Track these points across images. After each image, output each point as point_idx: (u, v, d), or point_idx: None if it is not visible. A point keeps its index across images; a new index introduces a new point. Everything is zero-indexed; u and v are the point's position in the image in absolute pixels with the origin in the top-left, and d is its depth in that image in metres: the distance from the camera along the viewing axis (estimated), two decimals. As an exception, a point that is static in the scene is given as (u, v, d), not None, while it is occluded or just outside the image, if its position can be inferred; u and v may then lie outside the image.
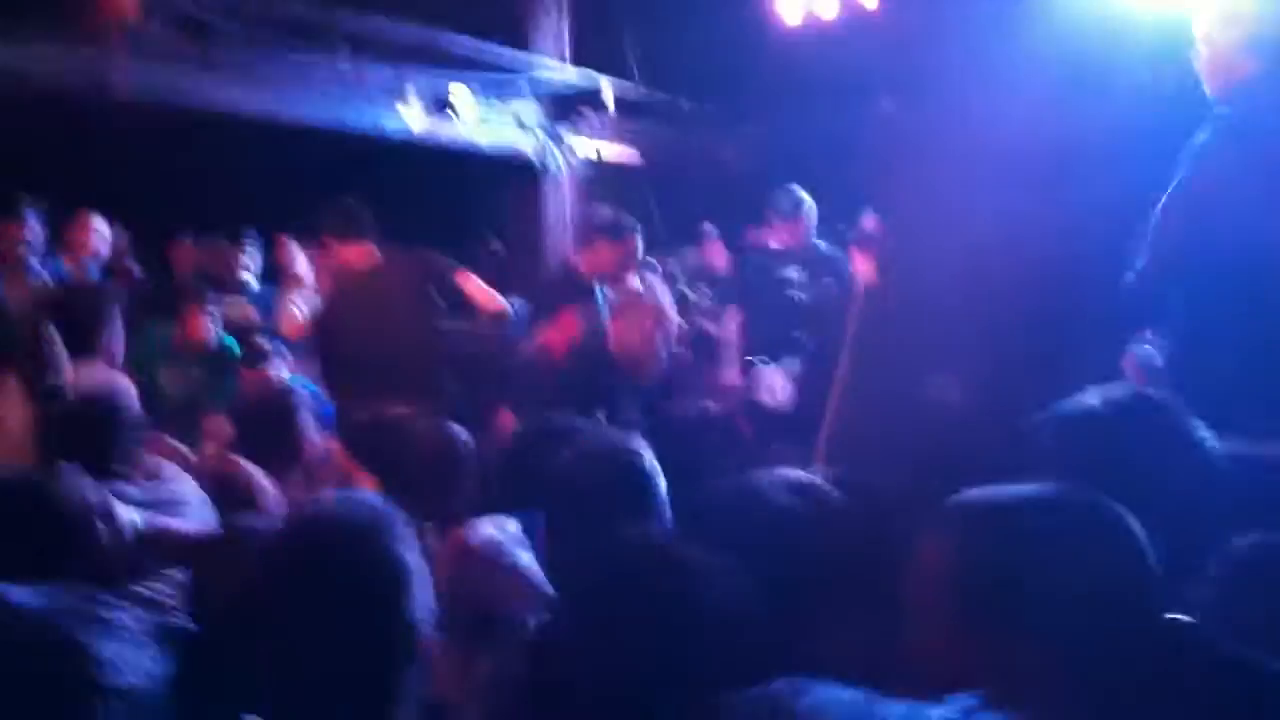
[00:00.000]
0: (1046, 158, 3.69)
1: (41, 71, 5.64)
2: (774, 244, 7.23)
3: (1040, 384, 3.49)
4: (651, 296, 5.06)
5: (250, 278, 7.16)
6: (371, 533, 1.75)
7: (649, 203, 9.05)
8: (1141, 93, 3.73)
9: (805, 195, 7.19)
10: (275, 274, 7.22)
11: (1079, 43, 3.73)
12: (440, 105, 7.49)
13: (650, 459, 2.53)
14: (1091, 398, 2.11)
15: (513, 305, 7.96)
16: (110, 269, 6.72)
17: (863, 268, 5.89)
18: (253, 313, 6.95)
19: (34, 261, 6.07)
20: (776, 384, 7.04)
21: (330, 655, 1.68)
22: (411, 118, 7.35)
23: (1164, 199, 3.13)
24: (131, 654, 1.62)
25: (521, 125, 8.21)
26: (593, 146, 8.61)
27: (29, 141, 6.23)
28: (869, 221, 6.33)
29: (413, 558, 1.77)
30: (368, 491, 2.58)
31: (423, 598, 1.77)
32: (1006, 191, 3.69)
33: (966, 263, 3.68)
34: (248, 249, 7.15)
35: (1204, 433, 2.03)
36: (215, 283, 7.08)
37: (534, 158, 8.33)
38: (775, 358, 7.06)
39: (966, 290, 3.65)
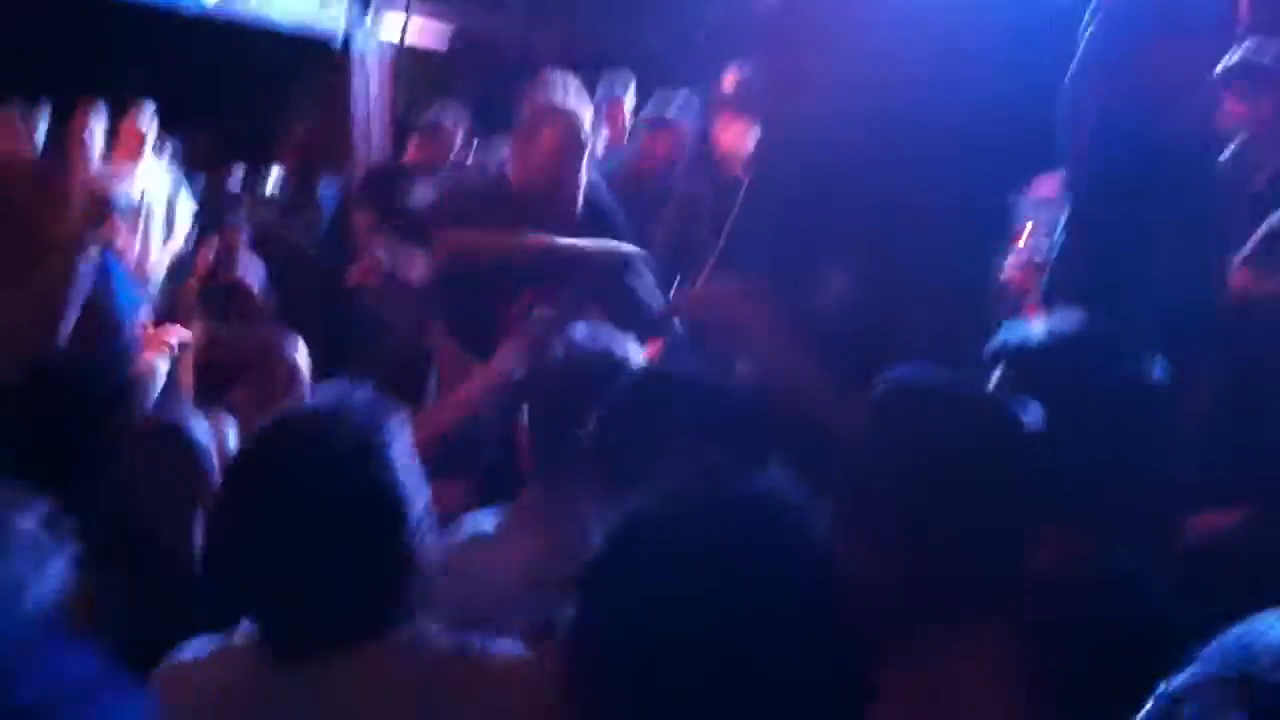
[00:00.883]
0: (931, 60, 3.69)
1: None
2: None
3: (920, 285, 3.60)
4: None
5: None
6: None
7: (458, 92, 8.85)
8: None
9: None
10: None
11: None
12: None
13: None
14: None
15: (323, 191, 7.77)
16: None
17: (726, 136, 5.90)
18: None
19: None
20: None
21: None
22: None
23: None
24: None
25: (324, 4, 7.88)
26: (400, 26, 8.32)
27: None
28: (728, 83, 6.12)
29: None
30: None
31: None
32: (889, 82, 3.67)
33: (854, 157, 3.68)
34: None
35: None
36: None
37: (338, 38, 8.02)
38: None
39: (853, 187, 3.67)
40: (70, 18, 6.77)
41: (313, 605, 1.71)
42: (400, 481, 1.79)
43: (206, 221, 6.88)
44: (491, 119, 8.88)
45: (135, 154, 6.53)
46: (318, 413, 1.83)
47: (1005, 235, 4.56)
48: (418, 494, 1.82)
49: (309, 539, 1.69)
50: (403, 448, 1.81)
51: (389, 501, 1.76)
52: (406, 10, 8.26)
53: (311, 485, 1.70)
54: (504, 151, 8.47)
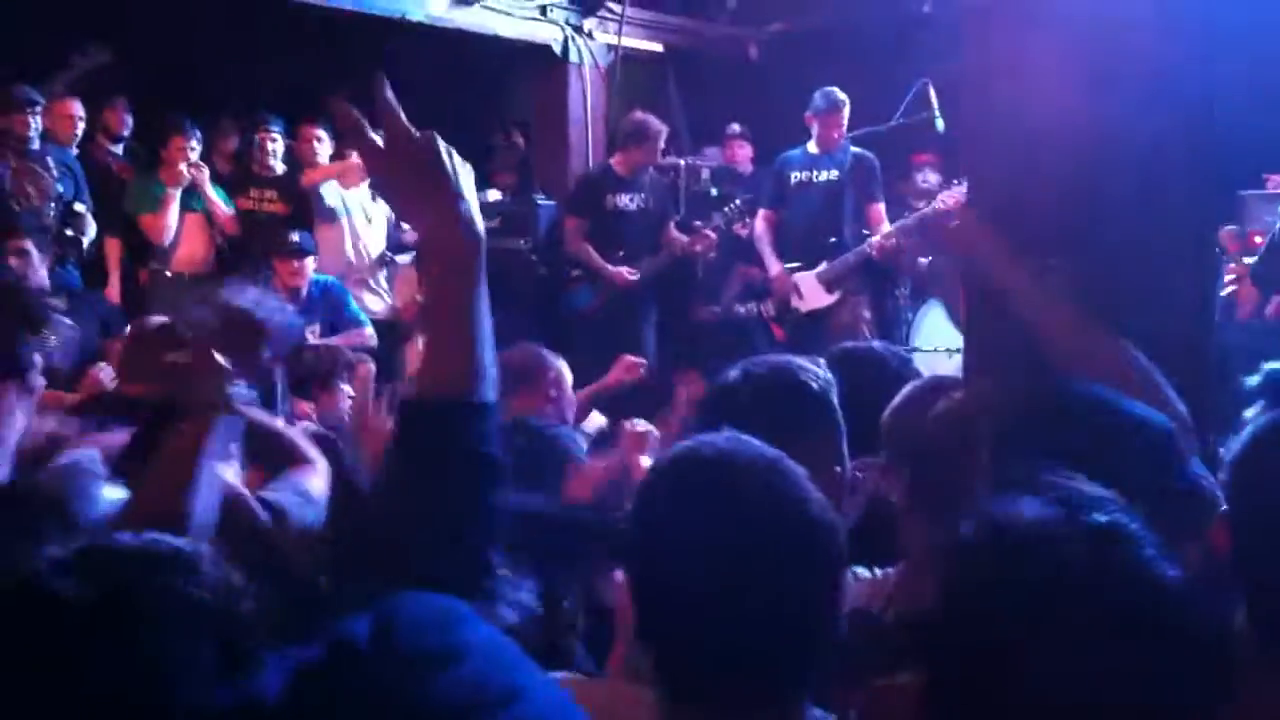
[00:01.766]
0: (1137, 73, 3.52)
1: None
2: (810, 146, 7.13)
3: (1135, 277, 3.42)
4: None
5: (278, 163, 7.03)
6: None
7: (671, 98, 8.87)
8: None
9: (843, 97, 7.09)
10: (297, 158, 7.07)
11: None
12: (463, -10, 7.28)
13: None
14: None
15: (536, 196, 7.89)
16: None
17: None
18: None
19: (44, 152, 5.96)
20: (811, 288, 6.99)
21: None
22: (435, 5, 7.15)
23: None
24: None
25: (544, 13, 8.00)
26: (616, 37, 8.39)
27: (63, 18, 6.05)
28: None
29: None
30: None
31: None
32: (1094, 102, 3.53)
33: (1053, 157, 3.54)
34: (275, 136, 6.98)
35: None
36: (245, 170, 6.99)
37: (557, 48, 8.13)
38: (810, 263, 7.01)
39: (1056, 186, 3.52)
40: (292, 30, 7.03)
41: (731, 653, 1.50)
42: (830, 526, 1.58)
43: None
44: (705, 121, 8.93)
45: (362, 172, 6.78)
46: (735, 452, 1.59)
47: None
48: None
49: (743, 582, 1.48)
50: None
51: (823, 550, 1.55)
52: (621, 19, 8.31)
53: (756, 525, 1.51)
54: (712, 153, 8.54)
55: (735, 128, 8.56)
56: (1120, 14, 3.49)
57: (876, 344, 3.69)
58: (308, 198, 6.86)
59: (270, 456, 2.58)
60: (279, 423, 2.77)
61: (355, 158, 6.60)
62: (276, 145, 6.96)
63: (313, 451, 2.66)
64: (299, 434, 2.79)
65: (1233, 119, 3.70)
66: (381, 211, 7.06)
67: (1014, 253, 3.73)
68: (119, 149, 6.97)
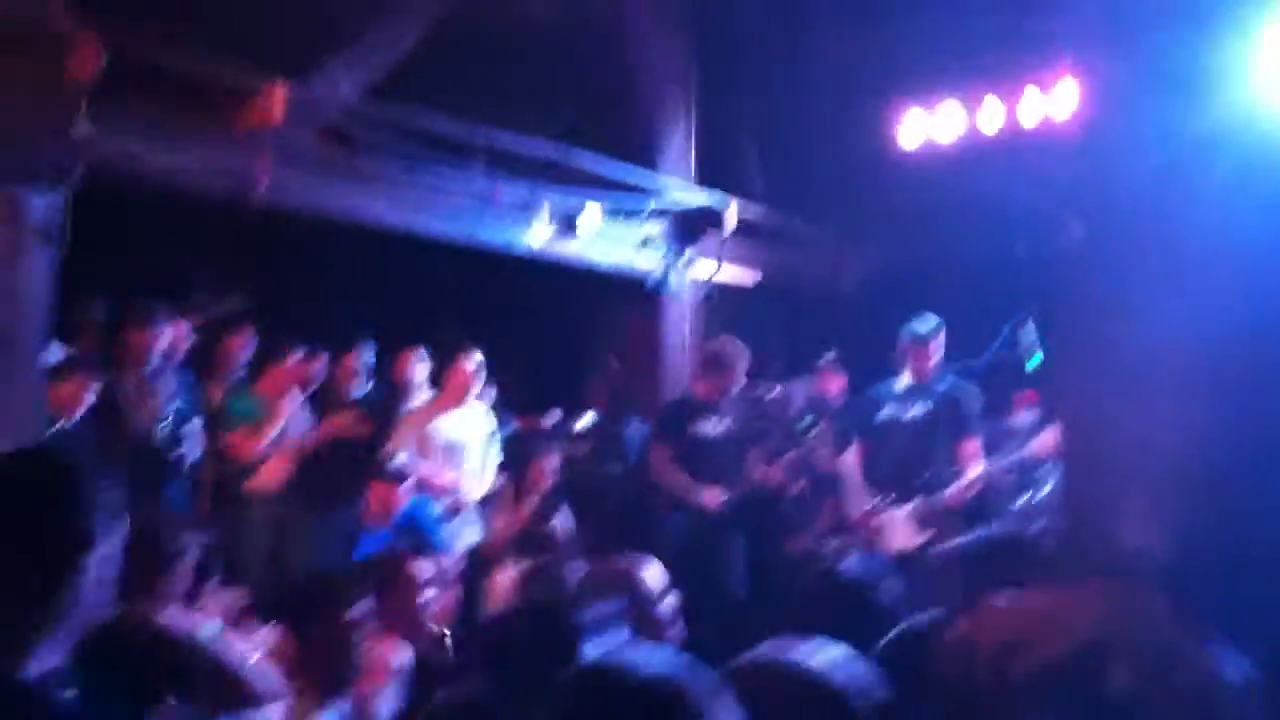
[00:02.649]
0: (1245, 300, 3.52)
1: (187, 174, 5.69)
2: (904, 378, 7.01)
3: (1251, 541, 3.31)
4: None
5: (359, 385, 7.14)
6: None
7: (764, 327, 8.96)
8: None
9: (935, 322, 7.00)
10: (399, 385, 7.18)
11: (1271, 178, 3.60)
12: (569, 222, 7.48)
13: None
14: None
15: (629, 423, 7.93)
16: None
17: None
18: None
19: (160, 370, 6.09)
20: (901, 526, 6.76)
21: None
22: (540, 235, 7.34)
23: None
24: None
25: (645, 244, 8.17)
26: (714, 267, 8.54)
27: (173, 244, 6.29)
28: None
29: None
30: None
31: None
32: (1204, 334, 3.52)
33: (1159, 408, 3.50)
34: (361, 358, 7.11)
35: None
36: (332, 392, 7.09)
37: (655, 277, 8.28)
38: (903, 497, 6.81)
39: (1161, 437, 3.46)
40: (400, 261, 7.24)
41: None
42: None
43: (521, 458, 7.11)
44: (799, 351, 8.98)
45: (460, 398, 6.88)
46: None
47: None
48: None
49: None
50: None
51: None
52: (719, 252, 8.48)
53: None
54: (804, 383, 8.54)
55: (828, 357, 8.56)
56: (1218, 239, 3.50)
57: None
58: (391, 419, 6.91)
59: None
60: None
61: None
62: (360, 367, 7.09)
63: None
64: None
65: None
66: (477, 439, 7.06)
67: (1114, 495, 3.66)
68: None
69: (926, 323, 6.93)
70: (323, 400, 7.10)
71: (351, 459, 6.55)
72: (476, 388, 6.94)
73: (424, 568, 4.32)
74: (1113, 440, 3.74)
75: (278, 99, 5.77)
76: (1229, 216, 3.50)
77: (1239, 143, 3.56)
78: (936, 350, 6.92)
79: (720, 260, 8.53)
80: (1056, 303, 5.65)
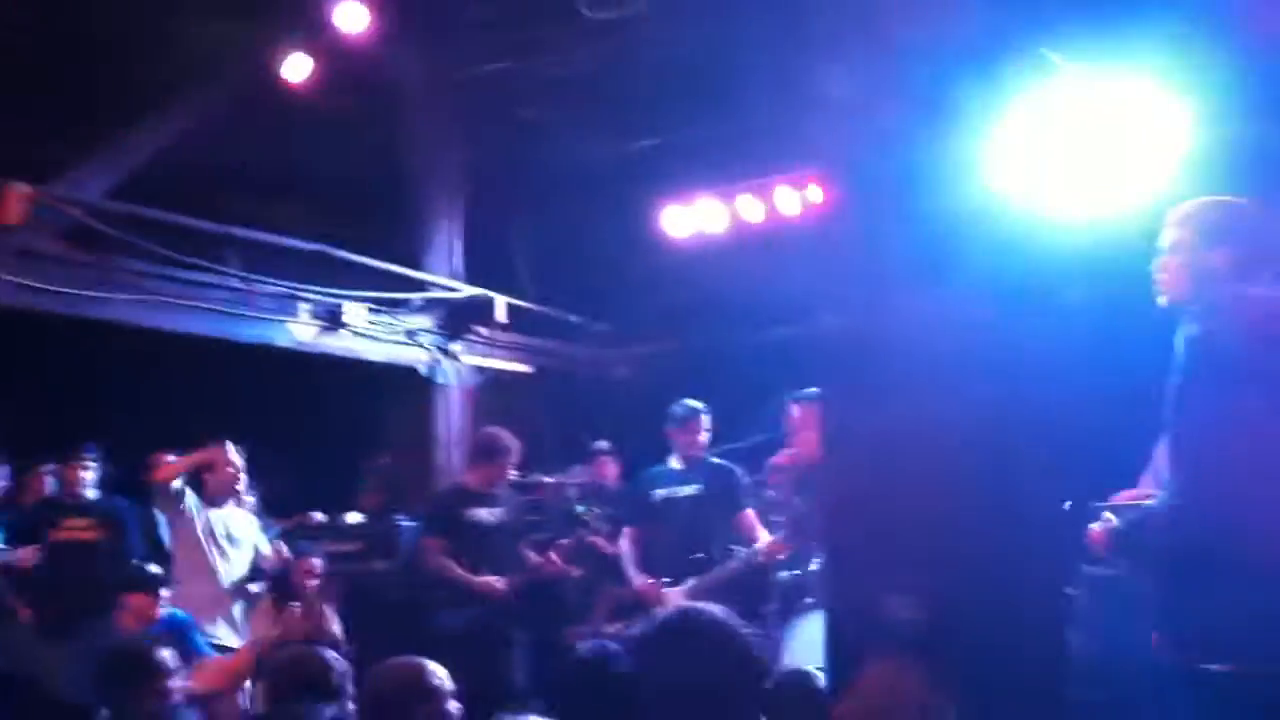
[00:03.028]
0: (991, 370, 3.75)
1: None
2: (672, 461, 7.16)
3: (993, 598, 3.51)
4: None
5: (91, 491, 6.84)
6: None
7: (539, 416, 9.03)
8: (1078, 307, 3.88)
9: (698, 405, 7.21)
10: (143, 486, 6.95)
11: (1020, 261, 3.86)
12: (331, 318, 7.45)
13: None
14: None
15: (399, 517, 7.86)
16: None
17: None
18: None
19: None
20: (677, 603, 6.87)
21: None
22: (302, 332, 7.29)
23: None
24: None
25: (412, 339, 8.19)
26: (484, 359, 8.61)
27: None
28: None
29: None
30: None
31: None
32: (949, 407, 3.73)
33: (906, 475, 3.70)
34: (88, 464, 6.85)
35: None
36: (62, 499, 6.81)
37: (424, 370, 8.29)
38: (677, 578, 6.92)
39: (918, 504, 3.66)
40: (156, 359, 7.09)
41: None
42: None
43: (290, 554, 6.96)
44: (574, 439, 9.07)
45: (226, 491, 6.71)
46: None
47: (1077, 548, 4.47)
48: None
49: None
50: None
51: None
52: (490, 344, 8.56)
53: None
54: (580, 470, 8.62)
55: (602, 445, 8.65)
56: (960, 329, 3.73)
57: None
58: (122, 525, 6.71)
59: None
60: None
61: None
62: (88, 474, 6.77)
63: None
64: None
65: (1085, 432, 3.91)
66: (249, 535, 6.88)
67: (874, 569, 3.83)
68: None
69: (688, 406, 7.13)
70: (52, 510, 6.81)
71: (88, 566, 6.30)
72: (242, 481, 6.78)
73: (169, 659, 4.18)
74: (867, 518, 3.91)
75: (16, 200, 5.64)
76: (969, 308, 3.74)
77: (980, 233, 3.82)
78: (700, 430, 7.10)
79: (491, 352, 8.60)
80: (811, 389, 5.92)
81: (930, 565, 3.72)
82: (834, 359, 4.35)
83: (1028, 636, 3.57)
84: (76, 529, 6.59)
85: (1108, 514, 3.56)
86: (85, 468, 6.73)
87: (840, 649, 4.21)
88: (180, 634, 6.14)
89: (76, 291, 6.07)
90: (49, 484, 6.96)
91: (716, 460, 7.16)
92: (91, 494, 6.78)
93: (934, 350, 3.77)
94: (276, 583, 6.79)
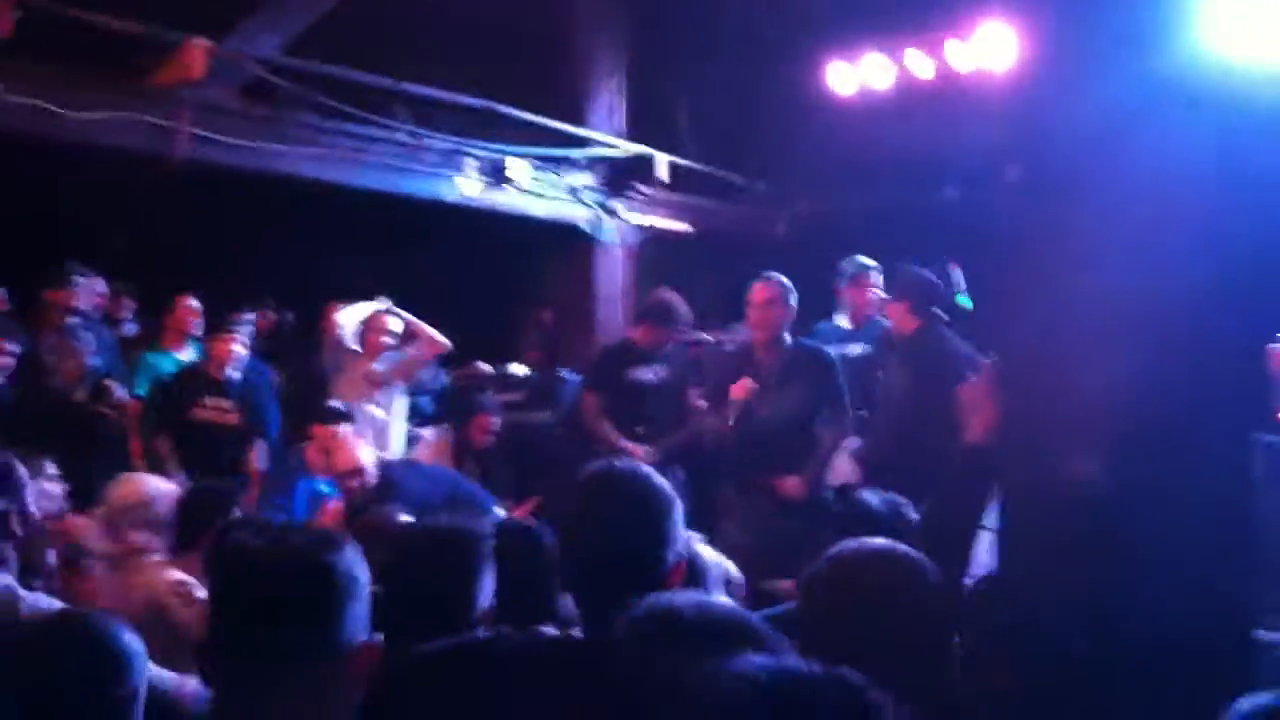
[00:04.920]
0: (1189, 234, 3.60)
1: (106, 133, 5.68)
2: (840, 319, 7.14)
3: (1182, 467, 3.44)
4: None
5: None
6: None
7: (699, 275, 9.03)
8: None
9: (869, 261, 7.13)
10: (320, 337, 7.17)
11: (1219, 120, 3.66)
12: (496, 174, 7.52)
13: None
14: None
15: (563, 373, 7.99)
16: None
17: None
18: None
19: (79, 327, 6.04)
20: (841, 467, 6.86)
21: None
22: (468, 188, 7.38)
23: None
24: None
25: (575, 196, 8.23)
26: (645, 218, 8.62)
27: (93, 203, 6.28)
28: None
29: None
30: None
31: None
32: (1143, 266, 3.60)
33: (1102, 337, 3.61)
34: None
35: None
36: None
37: (586, 228, 8.34)
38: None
39: (1104, 365, 3.58)
40: (335, 213, 7.26)
41: None
42: None
43: (462, 409, 7.12)
44: (734, 298, 9.06)
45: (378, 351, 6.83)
46: None
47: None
48: None
49: None
50: None
51: None
52: (652, 202, 8.55)
53: None
54: (741, 331, 8.62)
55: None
56: (1165, 170, 3.59)
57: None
58: (261, 408, 6.54)
59: None
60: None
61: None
62: (238, 348, 6.34)
63: None
64: None
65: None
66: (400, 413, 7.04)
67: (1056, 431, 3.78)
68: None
69: (858, 262, 7.08)
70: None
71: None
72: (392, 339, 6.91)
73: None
74: (1048, 381, 3.85)
75: (198, 55, 5.77)
76: (1174, 167, 3.59)
77: (1184, 91, 3.65)
78: (869, 286, 7.06)
79: (652, 210, 8.60)
80: (989, 247, 5.76)
81: (1114, 433, 3.65)
82: (1020, 216, 4.25)
83: (1213, 510, 3.49)
84: (218, 410, 6.29)
85: None
86: (234, 340, 6.33)
87: (1015, 513, 4.19)
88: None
89: (253, 144, 6.20)
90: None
91: (887, 321, 7.08)
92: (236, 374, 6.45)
93: (1132, 212, 3.64)
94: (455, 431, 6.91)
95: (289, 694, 1.68)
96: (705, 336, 8.29)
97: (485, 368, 8.17)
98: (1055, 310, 3.90)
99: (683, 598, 1.94)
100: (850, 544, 2.36)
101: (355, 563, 1.76)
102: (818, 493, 5.92)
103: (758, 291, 6.19)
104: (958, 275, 7.38)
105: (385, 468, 5.60)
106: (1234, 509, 3.67)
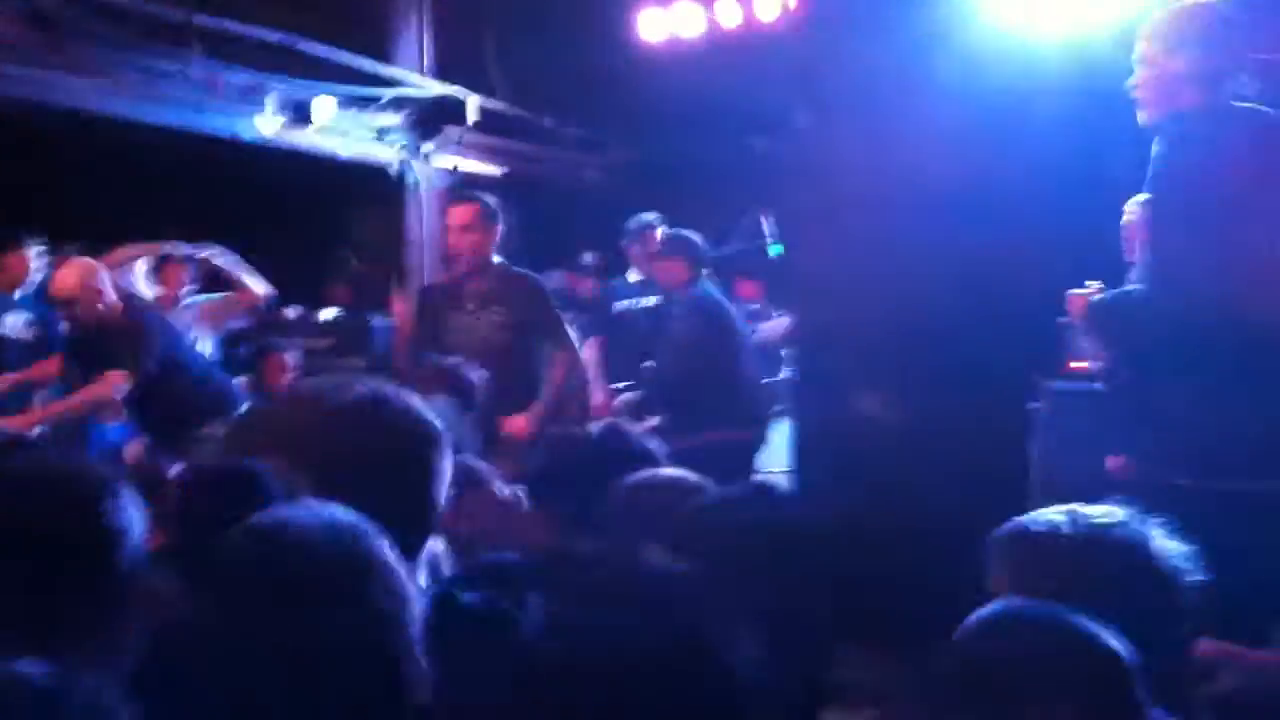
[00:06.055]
0: (962, 186, 3.75)
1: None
2: (630, 274, 7.21)
3: (959, 404, 3.57)
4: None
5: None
6: None
7: (509, 221, 8.95)
8: (1053, 123, 3.85)
9: (651, 218, 7.22)
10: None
11: (993, 74, 3.82)
12: (299, 113, 7.31)
13: None
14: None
15: (371, 319, 7.87)
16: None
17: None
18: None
19: None
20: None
21: None
22: (268, 125, 7.15)
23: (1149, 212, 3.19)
24: None
25: (383, 135, 8.06)
26: (453, 160, 8.50)
27: None
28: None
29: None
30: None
31: None
32: (923, 217, 3.74)
33: (881, 284, 3.73)
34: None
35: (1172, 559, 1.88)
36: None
37: (393, 170, 8.19)
38: (634, 387, 7.01)
39: (884, 310, 3.69)
40: (126, 150, 6.95)
41: None
42: None
43: (259, 352, 6.95)
44: (546, 245, 9.04)
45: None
46: None
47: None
48: None
49: None
50: None
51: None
52: (460, 144, 8.43)
53: None
54: (557, 276, 8.62)
55: (588, 259, 8.61)
56: (933, 137, 3.70)
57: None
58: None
59: None
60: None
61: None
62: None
63: None
64: None
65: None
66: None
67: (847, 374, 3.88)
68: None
69: (641, 219, 7.16)
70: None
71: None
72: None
73: None
74: (840, 324, 3.94)
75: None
76: (948, 114, 3.70)
77: (958, 42, 3.76)
78: (654, 243, 7.15)
79: (462, 154, 8.49)
80: (781, 194, 5.87)
81: (901, 370, 3.78)
82: (806, 169, 4.33)
83: (993, 443, 3.65)
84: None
85: (1091, 283, 3.57)
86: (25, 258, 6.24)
87: (808, 451, 4.30)
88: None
89: (38, 75, 5.89)
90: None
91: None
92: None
93: (905, 160, 3.75)
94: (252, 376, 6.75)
95: None
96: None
97: (291, 313, 7.99)
98: (838, 253, 4.02)
99: None
100: None
101: None
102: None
103: (456, 214, 5.74)
104: (770, 225, 7.52)
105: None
106: (1012, 446, 3.85)
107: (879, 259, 3.81)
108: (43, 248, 6.42)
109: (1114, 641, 1.52)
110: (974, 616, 1.60)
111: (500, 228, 5.74)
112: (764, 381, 6.98)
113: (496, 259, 5.68)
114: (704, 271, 6.44)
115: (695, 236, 6.55)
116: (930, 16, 3.78)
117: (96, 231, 7.08)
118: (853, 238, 3.92)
